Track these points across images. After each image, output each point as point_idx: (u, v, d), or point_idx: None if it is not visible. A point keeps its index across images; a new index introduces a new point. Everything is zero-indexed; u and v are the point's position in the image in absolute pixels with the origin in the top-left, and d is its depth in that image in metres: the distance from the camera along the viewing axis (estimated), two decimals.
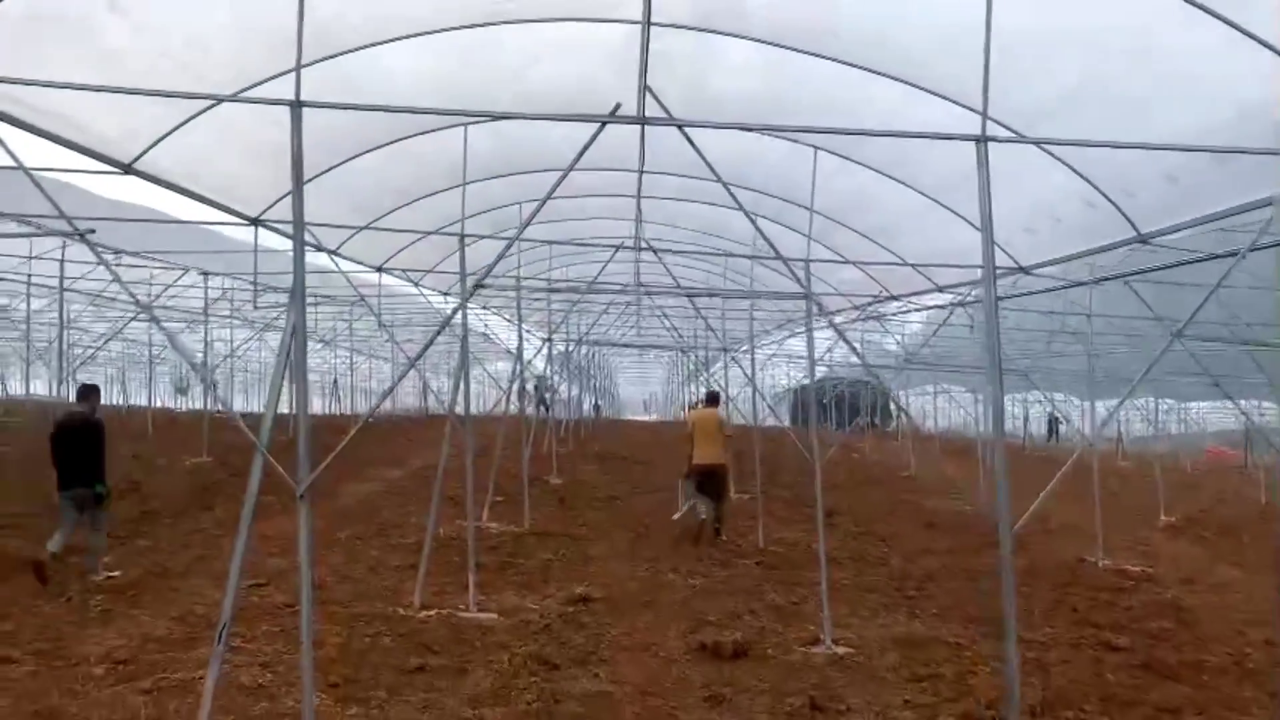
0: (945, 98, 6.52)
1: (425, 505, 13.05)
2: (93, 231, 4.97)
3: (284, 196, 8.66)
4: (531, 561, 10.23)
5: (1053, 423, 47.26)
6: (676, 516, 12.98)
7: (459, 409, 9.06)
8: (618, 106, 4.63)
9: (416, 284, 14.66)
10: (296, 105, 4.26)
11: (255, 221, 8.54)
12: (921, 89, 6.45)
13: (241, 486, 13.76)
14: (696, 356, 19.33)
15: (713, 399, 13.21)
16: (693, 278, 17.03)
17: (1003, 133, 5.52)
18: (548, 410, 27.51)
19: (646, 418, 58.65)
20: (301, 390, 4.24)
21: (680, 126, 4.87)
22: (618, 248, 9.26)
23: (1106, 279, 8.07)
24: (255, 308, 11.06)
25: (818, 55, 6.48)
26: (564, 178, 4.64)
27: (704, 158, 5.03)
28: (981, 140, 4.34)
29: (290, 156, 4.52)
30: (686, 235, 14.69)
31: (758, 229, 5.54)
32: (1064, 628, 9.03)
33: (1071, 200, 6.91)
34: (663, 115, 4.94)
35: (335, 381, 34.23)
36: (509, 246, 4.74)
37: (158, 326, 4.81)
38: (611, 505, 14.40)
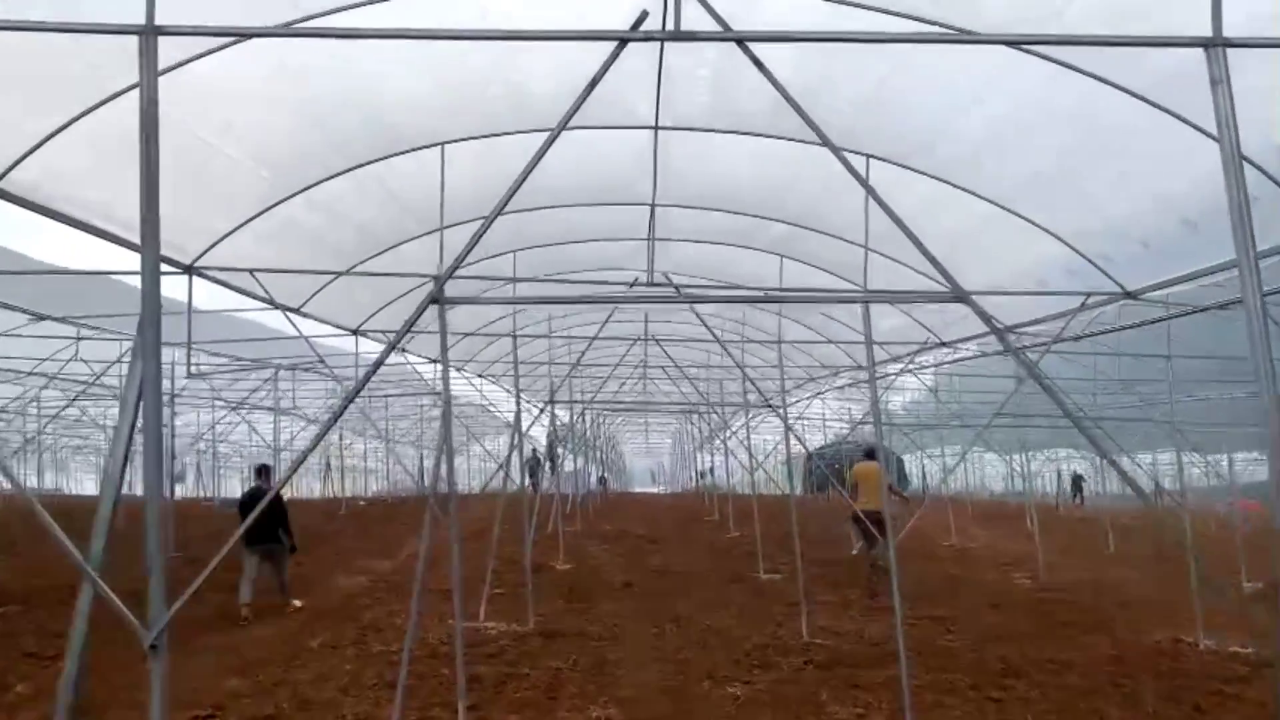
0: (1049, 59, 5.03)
1: (407, 601, 11.37)
2: None
3: (227, 235, 7.17)
4: (538, 671, 8.51)
5: (1077, 481, 45.41)
6: (854, 552, 15.25)
7: (443, 487, 7.42)
8: (644, 16, 3.09)
9: (401, 349, 13.12)
10: (150, 32, 2.74)
11: (190, 270, 7.02)
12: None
13: (210, 585, 12.04)
14: (719, 413, 17.72)
15: (871, 454, 14.56)
16: (705, 336, 15.53)
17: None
18: (535, 488, 25.71)
19: (655, 490, 56.67)
20: (154, 480, 2.68)
21: (739, 41, 3.33)
22: (633, 282, 7.73)
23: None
24: (189, 374, 9.53)
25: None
26: (573, 112, 3.11)
27: (769, 74, 3.48)
28: (1216, 45, 2.80)
29: (146, 153, 2.99)
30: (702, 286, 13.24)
31: (885, 205, 3.98)
32: None
33: (1215, 196, 5.36)
34: (701, 30, 3.37)
35: (328, 463, 32.52)
36: (483, 231, 3.19)
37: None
38: (628, 594, 12.66)
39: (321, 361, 9.02)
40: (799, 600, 11.24)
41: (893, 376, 14.42)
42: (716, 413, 16.43)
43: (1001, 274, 7.77)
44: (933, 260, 3.61)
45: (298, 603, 11.77)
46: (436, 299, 3.08)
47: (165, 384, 16.68)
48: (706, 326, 6.72)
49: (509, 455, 10.85)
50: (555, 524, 17.05)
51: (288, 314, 8.33)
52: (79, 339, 14.86)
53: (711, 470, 41.46)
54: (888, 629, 10.73)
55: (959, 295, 3.62)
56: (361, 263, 8.87)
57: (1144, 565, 17.43)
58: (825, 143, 3.61)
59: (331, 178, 7.02)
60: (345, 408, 3.20)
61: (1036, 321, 8.27)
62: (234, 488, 52.44)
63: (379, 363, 3.24)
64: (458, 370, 18.25)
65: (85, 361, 14.97)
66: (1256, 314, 2.84)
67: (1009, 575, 15.31)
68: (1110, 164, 5.92)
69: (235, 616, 10.97)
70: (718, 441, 25.42)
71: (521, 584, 11.10)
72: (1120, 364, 14.24)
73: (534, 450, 27.90)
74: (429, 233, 8.55)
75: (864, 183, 3.63)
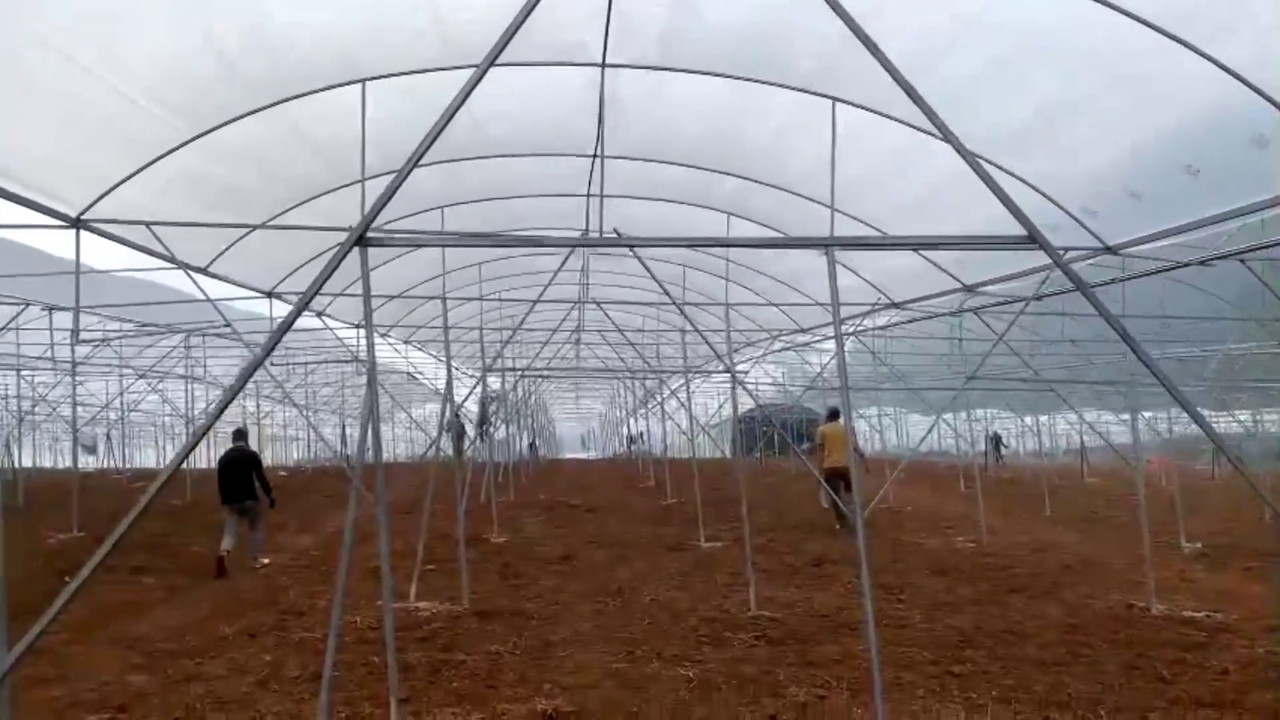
0: None
1: (333, 580, 10.69)
2: None
3: (120, 183, 6.36)
4: (475, 656, 7.94)
5: (996, 442, 45.94)
6: (825, 505, 16.46)
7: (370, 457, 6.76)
8: None
9: (320, 314, 12.31)
10: None
11: (77, 223, 6.21)
12: None
13: (118, 563, 11.11)
14: (659, 377, 17.18)
15: (835, 415, 15.87)
16: (644, 299, 14.96)
17: None
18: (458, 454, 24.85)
19: (585, 455, 56.22)
20: None
21: None
22: (577, 242, 7.04)
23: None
24: (77, 340, 8.60)
25: None
26: (518, 24, 2.51)
27: None
28: None
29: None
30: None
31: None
32: (1167, 707, 7.05)
33: (1221, 138, 4.95)
34: None
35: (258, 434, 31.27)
36: (409, 169, 2.58)
37: None
38: (567, 567, 12.14)
39: (228, 325, 8.19)
40: (742, 570, 10.86)
41: (848, 335, 14.01)
42: (657, 376, 15.89)
43: (975, 227, 7.31)
44: (997, 191, 3.07)
45: (265, 560, 12.43)
46: (361, 239, 2.47)
47: (62, 351, 15.60)
48: (653, 276, 6.08)
49: (440, 426, 10.16)
50: (488, 494, 16.44)
51: (191, 273, 7.47)
52: None
53: (641, 435, 41.09)
54: (835, 599, 10.40)
55: (1030, 235, 3.10)
56: (275, 217, 8.10)
57: (1082, 527, 17.48)
58: (861, 42, 3.03)
59: (238, 119, 6.25)
60: (253, 372, 2.58)
61: (1008, 278, 7.84)
62: (148, 459, 50.63)
63: (294, 315, 2.61)
64: (382, 335, 17.44)
65: None
66: None
67: (950, 539, 15.15)
68: (1101, 109, 5.48)
69: (146, 601, 10.23)
70: (652, 405, 24.98)
71: (454, 559, 10.49)
72: (1065, 322, 14.04)
73: (456, 414, 26.99)
74: (350, 184, 7.82)
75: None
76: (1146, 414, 45.77)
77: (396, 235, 2.91)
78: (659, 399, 19.84)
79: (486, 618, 9.28)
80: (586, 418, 60.88)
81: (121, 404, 23.36)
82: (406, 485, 21.52)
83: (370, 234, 2.69)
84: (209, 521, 16.48)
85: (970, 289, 8.54)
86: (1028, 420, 48.93)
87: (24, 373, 17.71)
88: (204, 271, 8.18)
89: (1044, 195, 6.35)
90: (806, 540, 14.54)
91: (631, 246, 5.79)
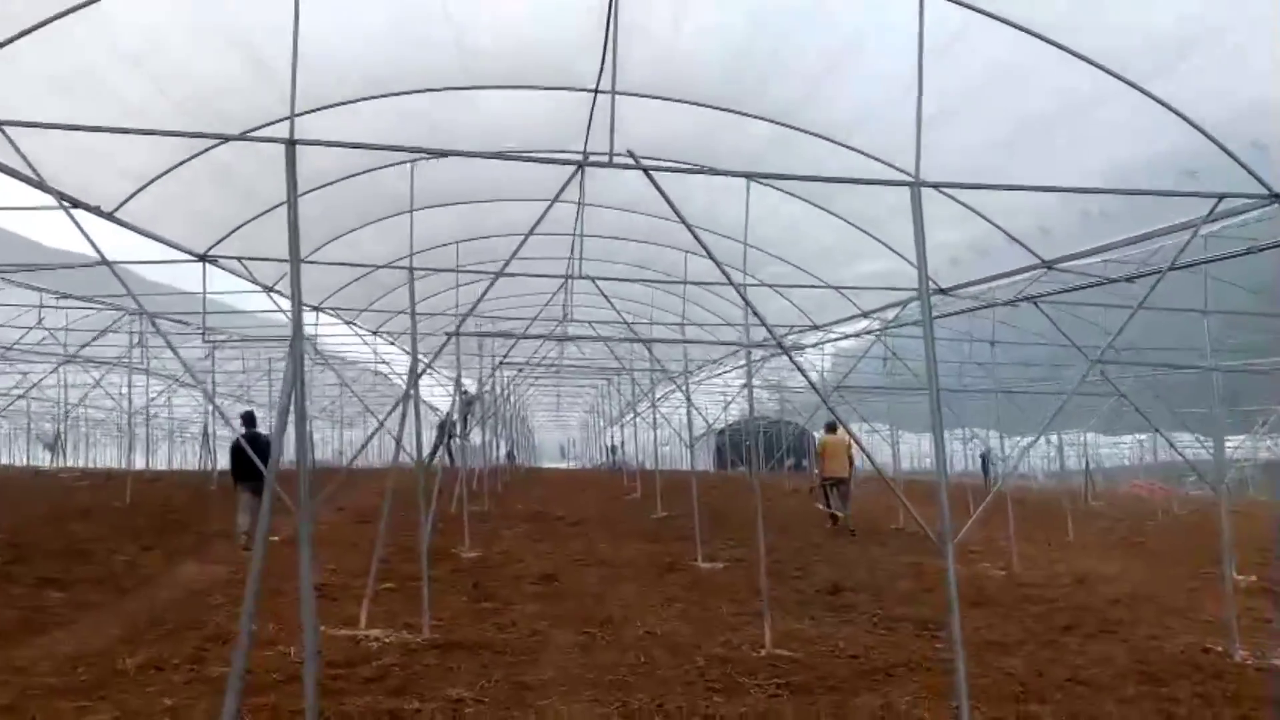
0: None
1: (275, 600, 9.05)
2: None
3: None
4: (431, 704, 6.32)
5: (984, 459, 44.66)
6: (821, 507, 17.67)
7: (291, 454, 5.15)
8: None
9: (270, 289, 10.66)
10: None
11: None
12: None
13: (24, 573, 9.38)
14: (652, 376, 15.65)
15: (832, 428, 16.92)
16: (640, 274, 13.43)
17: None
18: (451, 458, 23.45)
19: (565, 465, 54.57)
20: None
21: None
22: (580, 162, 5.40)
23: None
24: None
25: None
26: None
27: None
28: None
29: None
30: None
31: None
32: None
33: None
34: None
35: (205, 430, 29.49)
36: None
37: None
38: (549, 590, 10.51)
39: (106, 263, 6.40)
40: (750, 597, 9.35)
41: (877, 332, 12.53)
42: (659, 368, 14.23)
43: (1089, 170, 5.77)
44: None
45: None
46: None
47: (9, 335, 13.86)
48: (670, 203, 4.50)
49: (399, 411, 8.48)
50: (460, 503, 14.80)
51: (71, 214, 5.49)
52: None
53: (621, 445, 39.54)
54: (863, 635, 8.87)
55: None
56: (200, 153, 6.48)
57: (1116, 555, 16.00)
58: None
59: None
60: None
61: (1125, 243, 6.22)
62: (111, 459, 48.51)
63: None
64: (348, 323, 15.85)
65: None
66: None
67: (976, 565, 13.63)
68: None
69: (44, 620, 8.56)
70: (643, 409, 23.42)
71: (416, 578, 8.85)
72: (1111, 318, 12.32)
73: (448, 416, 25.34)
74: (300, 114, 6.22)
75: None
76: (1141, 436, 44.50)
77: None
78: (651, 400, 18.25)
79: (450, 651, 7.67)
80: (567, 426, 59.21)
81: (63, 395, 21.49)
82: (368, 490, 19.84)
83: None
84: (145, 527, 14.79)
85: (1050, 265, 6.95)
86: (1014, 439, 47.56)
87: None
88: (109, 217, 6.50)
89: (1192, 124, 4.81)
90: (815, 562, 12.99)
91: (647, 171, 4.28)
